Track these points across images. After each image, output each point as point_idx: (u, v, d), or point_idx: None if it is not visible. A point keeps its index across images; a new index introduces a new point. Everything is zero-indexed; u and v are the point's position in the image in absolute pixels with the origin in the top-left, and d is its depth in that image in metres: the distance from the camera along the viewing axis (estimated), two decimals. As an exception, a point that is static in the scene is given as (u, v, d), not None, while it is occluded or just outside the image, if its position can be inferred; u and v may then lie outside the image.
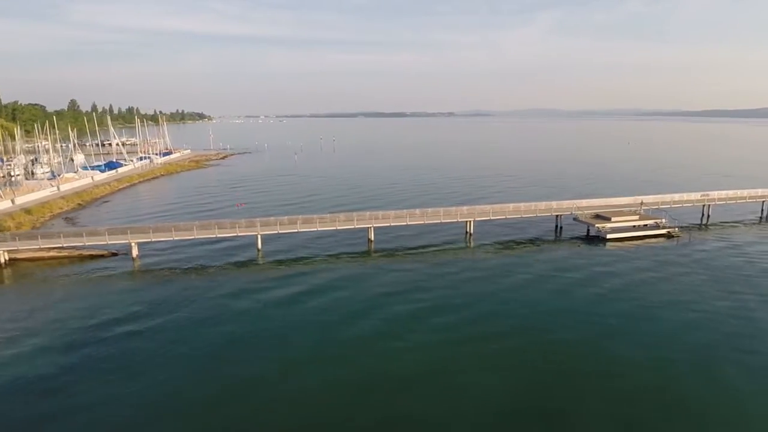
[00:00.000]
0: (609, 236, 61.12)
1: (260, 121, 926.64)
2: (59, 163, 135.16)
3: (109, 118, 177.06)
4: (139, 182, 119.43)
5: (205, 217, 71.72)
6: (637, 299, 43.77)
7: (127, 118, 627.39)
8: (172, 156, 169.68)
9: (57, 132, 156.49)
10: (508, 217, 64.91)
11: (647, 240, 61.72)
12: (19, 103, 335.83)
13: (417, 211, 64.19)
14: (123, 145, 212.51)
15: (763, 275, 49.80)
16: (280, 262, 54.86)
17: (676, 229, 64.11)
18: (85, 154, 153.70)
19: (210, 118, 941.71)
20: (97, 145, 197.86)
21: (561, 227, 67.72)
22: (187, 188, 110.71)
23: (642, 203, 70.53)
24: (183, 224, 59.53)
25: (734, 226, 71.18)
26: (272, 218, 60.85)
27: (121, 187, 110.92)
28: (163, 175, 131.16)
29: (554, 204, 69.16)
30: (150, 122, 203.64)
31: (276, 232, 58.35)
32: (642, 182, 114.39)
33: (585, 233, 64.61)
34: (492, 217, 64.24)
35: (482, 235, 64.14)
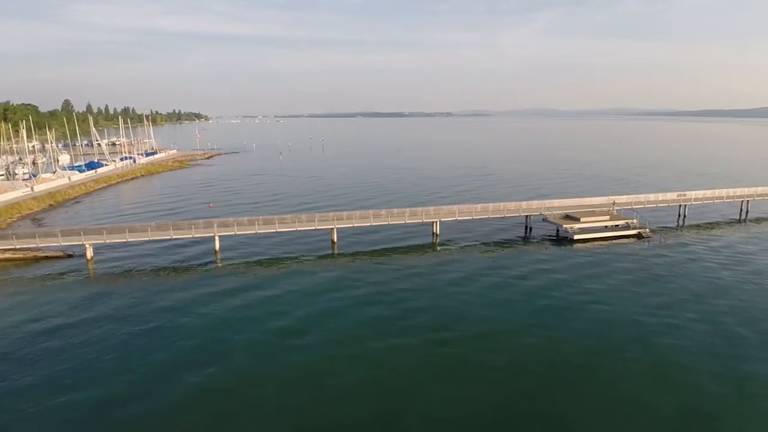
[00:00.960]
0: (576, 237, 59.68)
1: (257, 121, 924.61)
2: (43, 163, 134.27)
3: (90, 118, 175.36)
4: (117, 183, 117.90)
5: (172, 218, 70.77)
6: (573, 297, 43.19)
7: (122, 118, 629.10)
8: (157, 156, 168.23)
9: (34, 133, 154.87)
10: (474, 217, 63.42)
11: (616, 241, 60.26)
12: (11, 103, 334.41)
13: (382, 211, 62.74)
14: (113, 145, 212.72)
15: (713, 276, 48.45)
16: (238, 264, 53.28)
17: (647, 230, 62.65)
18: (75, 154, 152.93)
19: (207, 118, 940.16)
20: (87, 145, 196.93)
21: (530, 228, 66.30)
22: (163, 188, 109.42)
23: (614, 203, 69.11)
24: (139, 225, 58.16)
25: (710, 226, 69.66)
26: (231, 219, 59.44)
27: (97, 187, 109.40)
28: (143, 176, 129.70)
29: (524, 204, 67.67)
30: (147, 122, 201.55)
31: (233, 233, 56.88)
32: (625, 181, 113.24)
33: (555, 234, 63.25)
34: (458, 218, 62.77)
35: (449, 236, 62.72)
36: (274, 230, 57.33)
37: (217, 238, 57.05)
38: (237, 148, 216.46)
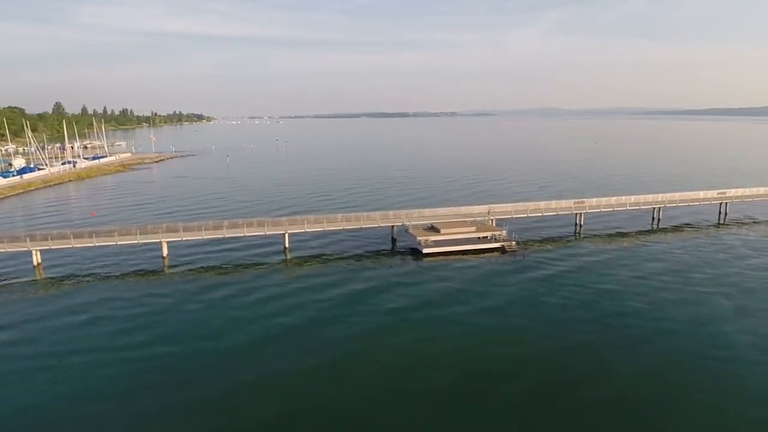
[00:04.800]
0: (426, 251, 54.16)
1: (256, 122, 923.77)
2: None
3: (27, 123, 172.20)
4: (36, 189, 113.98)
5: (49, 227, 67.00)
6: (340, 323, 38.76)
7: (120, 120, 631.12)
8: (104, 160, 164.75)
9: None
10: (326, 228, 58.06)
11: (473, 255, 54.53)
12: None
13: (225, 222, 57.88)
14: (85, 148, 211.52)
15: (524, 306, 42.10)
16: (61, 280, 49.35)
17: (514, 243, 56.79)
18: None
19: (209, 119, 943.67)
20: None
21: (395, 239, 60.81)
22: (68, 195, 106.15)
23: (489, 212, 63.30)
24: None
25: (609, 238, 63.45)
26: (54, 231, 55.09)
27: (9, 194, 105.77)
28: (71, 181, 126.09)
29: (391, 213, 62.19)
30: (96, 126, 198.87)
31: (48, 247, 52.30)
32: (576, 184, 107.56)
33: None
34: (307, 229, 57.51)
35: (304, 251, 57.37)
36: (92, 244, 52.75)
37: (36, 253, 52.69)
38: (199, 150, 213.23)
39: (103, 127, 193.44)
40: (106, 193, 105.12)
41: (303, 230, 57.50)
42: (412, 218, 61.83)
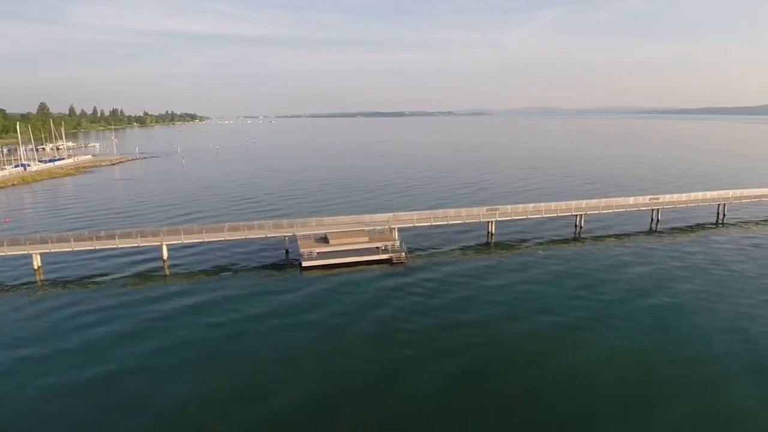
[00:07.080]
0: (305, 263, 51.06)
1: (249, 122, 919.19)
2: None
3: None
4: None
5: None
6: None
7: (110, 121, 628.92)
8: (60, 162, 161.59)
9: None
10: (205, 240, 54.92)
11: (355, 267, 51.35)
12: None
13: (102, 232, 54.94)
14: (58, 149, 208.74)
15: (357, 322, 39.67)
16: None
17: (403, 254, 53.63)
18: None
19: (201, 119, 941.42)
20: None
21: (288, 251, 57.62)
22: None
23: (389, 221, 60.12)
24: None
25: (512, 247, 60.37)
26: None
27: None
28: (14, 185, 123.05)
29: (285, 222, 58.97)
30: (53, 128, 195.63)
31: None
32: (523, 188, 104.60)
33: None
34: (184, 241, 54.43)
35: (183, 261, 54.58)
36: (-49, 257, 49.91)
37: None
38: (165, 151, 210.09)
39: (63, 129, 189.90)
40: (36, 198, 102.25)
41: (180, 241, 54.36)
42: (309, 227, 58.70)
